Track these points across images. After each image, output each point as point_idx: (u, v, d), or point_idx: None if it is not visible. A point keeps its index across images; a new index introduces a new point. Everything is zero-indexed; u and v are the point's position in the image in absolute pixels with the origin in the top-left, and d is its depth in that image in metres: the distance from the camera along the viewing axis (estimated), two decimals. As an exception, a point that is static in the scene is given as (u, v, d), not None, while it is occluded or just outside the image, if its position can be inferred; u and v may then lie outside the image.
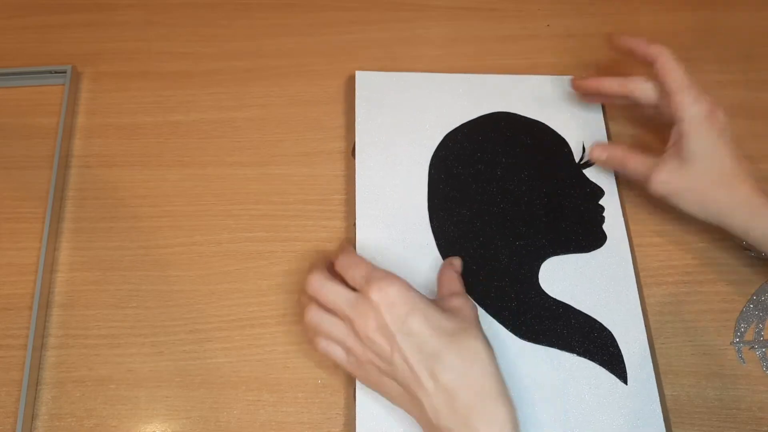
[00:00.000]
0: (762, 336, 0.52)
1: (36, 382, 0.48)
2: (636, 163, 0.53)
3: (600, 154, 0.55)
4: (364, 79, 0.60)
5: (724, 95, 0.63)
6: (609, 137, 0.59)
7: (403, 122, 0.58)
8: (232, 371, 0.49)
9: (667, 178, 0.50)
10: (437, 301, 0.46)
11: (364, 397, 0.47)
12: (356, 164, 0.56)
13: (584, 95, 0.59)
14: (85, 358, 0.49)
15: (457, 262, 0.51)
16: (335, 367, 0.49)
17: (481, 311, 0.51)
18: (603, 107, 0.61)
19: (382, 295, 0.42)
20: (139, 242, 0.54)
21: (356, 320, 0.42)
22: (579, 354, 0.50)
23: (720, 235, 0.56)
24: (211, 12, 0.66)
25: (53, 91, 0.60)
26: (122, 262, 0.53)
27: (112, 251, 0.53)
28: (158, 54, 0.63)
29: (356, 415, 0.47)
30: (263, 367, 0.50)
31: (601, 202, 0.56)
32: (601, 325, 0.51)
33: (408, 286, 0.43)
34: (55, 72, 0.60)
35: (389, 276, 0.43)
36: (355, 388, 0.47)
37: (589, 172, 0.57)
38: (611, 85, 0.55)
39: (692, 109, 0.49)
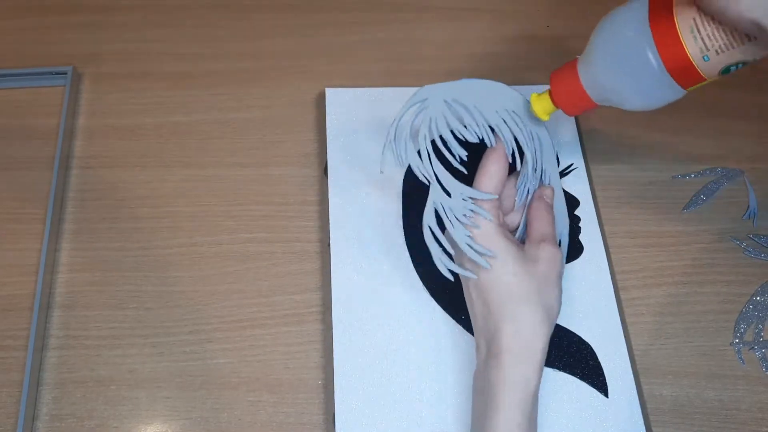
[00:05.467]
0: (761, 337, 0.52)
1: (37, 382, 0.48)
2: None
3: None
4: (334, 97, 0.59)
5: (723, 95, 0.63)
6: (582, 145, 0.59)
7: (376, 138, 0.57)
8: (232, 372, 0.49)
9: None
10: (526, 248, 0.45)
11: (343, 397, 0.47)
12: (329, 183, 0.55)
13: None
14: (86, 359, 0.49)
15: (548, 192, 0.48)
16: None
17: (459, 328, 0.50)
18: (576, 118, 0.59)
19: None
20: (140, 243, 0.54)
21: None
22: (558, 368, 0.49)
23: (719, 236, 0.56)
24: (212, 13, 0.66)
25: (54, 92, 0.60)
26: (123, 262, 0.53)
27: (112, 252, 0.53)
28: (159, 55, 0.63)
29: (335, 416, 0.47)
30: (264, 367, 0.50)
31: (577, 212, 0.55)
32: (580, 338, 0.50)
33: (496, 231, 0.44)
34: (56, 73, 0.60)
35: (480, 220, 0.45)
36: (334, 395, 0.47)
37: (563, 183, 0.56)
38: None
39: None
